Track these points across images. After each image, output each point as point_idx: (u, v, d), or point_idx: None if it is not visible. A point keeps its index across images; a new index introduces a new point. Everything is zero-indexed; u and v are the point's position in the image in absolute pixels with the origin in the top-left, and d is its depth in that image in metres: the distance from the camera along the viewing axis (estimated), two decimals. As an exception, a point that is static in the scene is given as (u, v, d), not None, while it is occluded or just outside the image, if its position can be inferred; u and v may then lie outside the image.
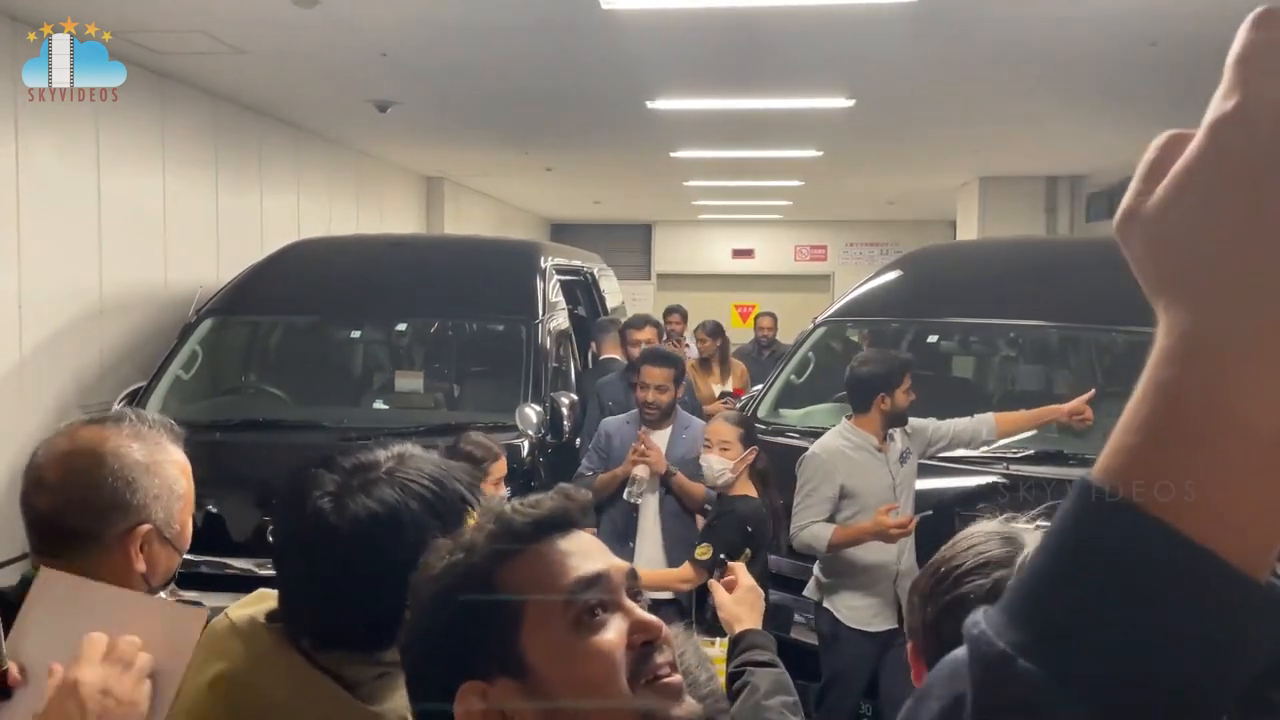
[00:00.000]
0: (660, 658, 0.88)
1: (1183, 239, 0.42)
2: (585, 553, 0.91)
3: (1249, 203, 0.40)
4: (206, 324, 5.05)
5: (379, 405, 5.00)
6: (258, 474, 4.05)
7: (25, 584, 1.36)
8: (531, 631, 0.87)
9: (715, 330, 7.04)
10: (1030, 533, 1.32)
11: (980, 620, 0.43)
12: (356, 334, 5.51)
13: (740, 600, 1.92)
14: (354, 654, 1.09)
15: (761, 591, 1.99)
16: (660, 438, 3.91)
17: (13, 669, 1.17)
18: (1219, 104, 0.41)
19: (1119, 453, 0.42)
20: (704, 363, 6.90)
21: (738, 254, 15.42)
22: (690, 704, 0.87)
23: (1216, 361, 0.40)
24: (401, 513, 1.10)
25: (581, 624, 0.87)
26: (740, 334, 11.82)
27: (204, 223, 6.13)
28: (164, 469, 1.43)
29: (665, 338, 7.56)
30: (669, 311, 8.06)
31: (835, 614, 3.56)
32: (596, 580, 0.89)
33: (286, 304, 5.25)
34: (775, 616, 3.72)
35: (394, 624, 0.92)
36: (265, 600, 1.21)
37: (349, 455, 1.16)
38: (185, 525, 1.47)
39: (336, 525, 1.08)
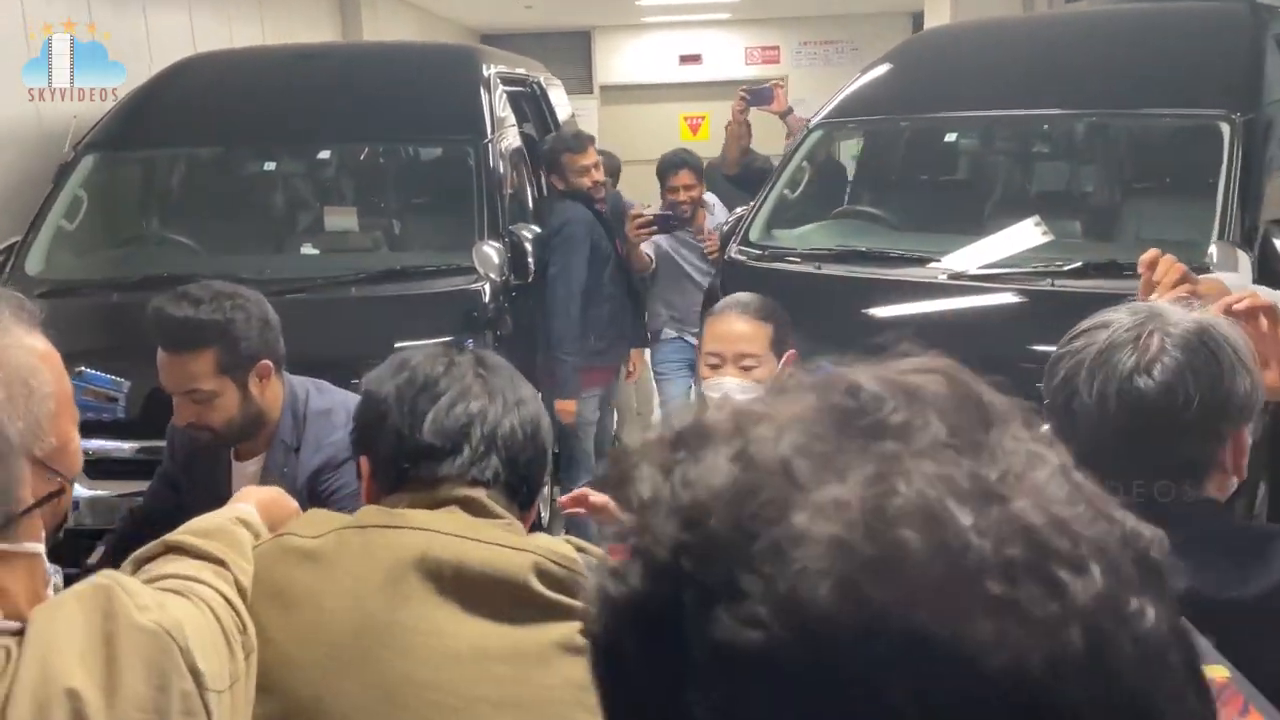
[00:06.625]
0: None
1: None
2: None
3: None
4: (88, 162, 4.22)
5: (307, 250, 4.30)
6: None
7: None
8: None
9: None
10: None
11: None
12: (271, 166, 4.72)
13: None
14: (510, 501, 1.37)
15: None
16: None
17: None
18: None
19: None
20: None
21: (685, 60, 14.36)
22: None
23: None
24: None
25: None
26: (694, 147, 11.04)
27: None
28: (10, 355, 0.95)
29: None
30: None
31: None
32: None
33: (184, 133, 4.43)
34: None
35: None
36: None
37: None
38: (66, 436, 1.02)
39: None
